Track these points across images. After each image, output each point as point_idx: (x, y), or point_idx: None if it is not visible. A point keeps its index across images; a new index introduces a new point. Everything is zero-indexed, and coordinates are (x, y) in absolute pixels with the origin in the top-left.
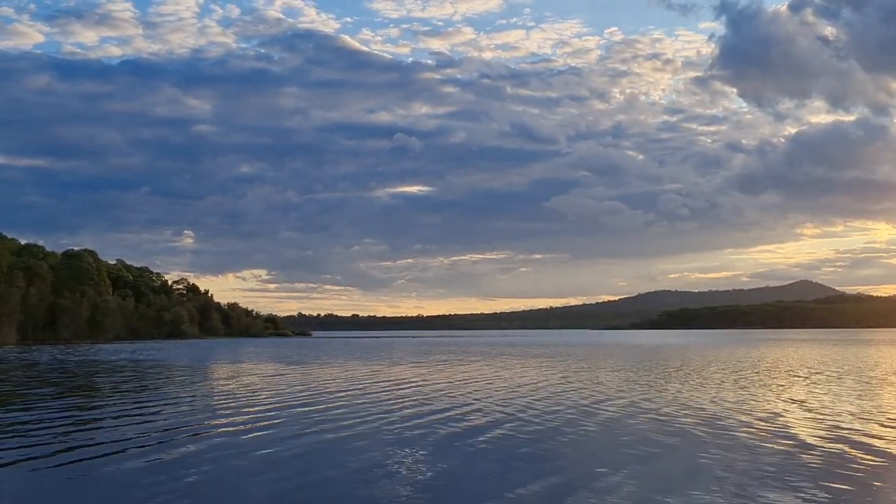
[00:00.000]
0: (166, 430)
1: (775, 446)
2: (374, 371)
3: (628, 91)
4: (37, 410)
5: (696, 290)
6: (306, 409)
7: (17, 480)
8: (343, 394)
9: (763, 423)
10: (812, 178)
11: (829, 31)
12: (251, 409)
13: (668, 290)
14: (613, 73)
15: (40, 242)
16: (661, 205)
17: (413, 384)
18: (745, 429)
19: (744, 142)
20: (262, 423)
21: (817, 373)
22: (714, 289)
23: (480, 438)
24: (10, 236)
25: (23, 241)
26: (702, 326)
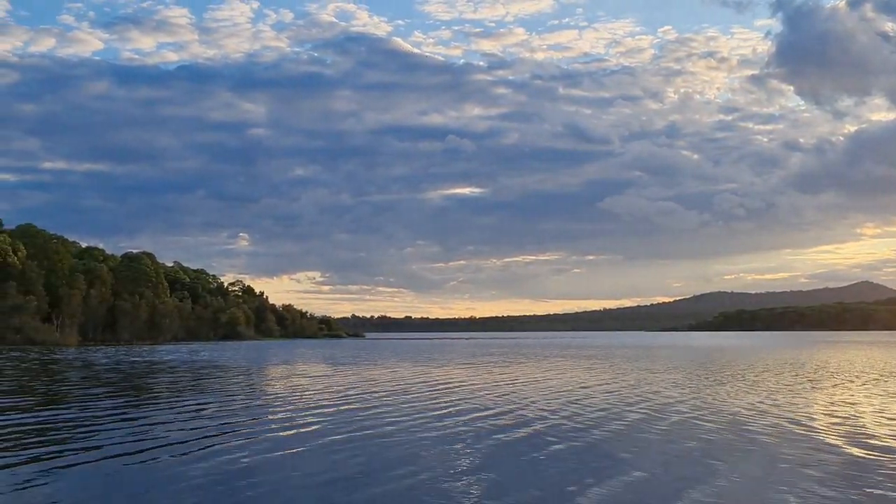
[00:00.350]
0: (220, 429)
1: (858, 452)
2: (433, 372)
3: (682, 90)
4: (91, 409)
5: (753, 292)
6: (364, 410)
7: (73, 479)
8: (400, 395)
9: (844, 427)
10: (872, 177)
11: (889, 26)
12: (306, 408)
13: (725, 292)
14: (667, 73)
15: (100, 245)
16: (716, 205)
17: (474, 386)
18: (825, 434)
19: (801, 140)
20: (317, 422)
21: (889, 376)
22: (771, 290)
23: (548, 441)
24: (71, 239)
25: (84, 245)
26: (759, 328)
